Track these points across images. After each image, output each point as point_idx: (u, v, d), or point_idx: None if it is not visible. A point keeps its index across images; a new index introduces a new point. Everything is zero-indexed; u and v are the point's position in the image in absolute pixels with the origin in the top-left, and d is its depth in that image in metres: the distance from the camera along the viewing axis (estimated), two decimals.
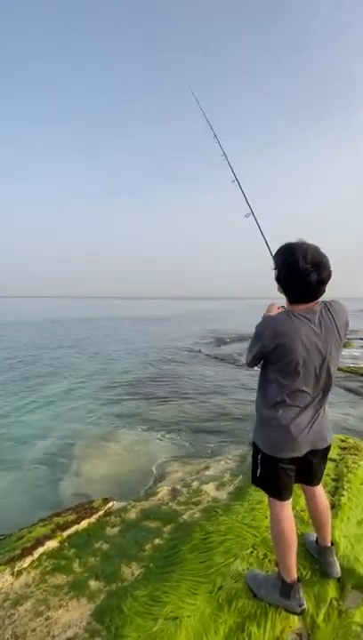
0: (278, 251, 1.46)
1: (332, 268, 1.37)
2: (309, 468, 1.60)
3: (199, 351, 12.59)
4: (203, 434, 4.71)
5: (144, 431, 4.81)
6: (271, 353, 1.39)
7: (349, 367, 8.14)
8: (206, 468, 3.29)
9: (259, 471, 1.56)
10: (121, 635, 1.53)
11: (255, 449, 1.59)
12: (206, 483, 2.90)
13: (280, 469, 1.50)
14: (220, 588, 1.72)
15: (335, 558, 1.77)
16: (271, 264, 1.51)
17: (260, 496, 2.50)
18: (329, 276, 1.36)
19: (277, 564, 1.64)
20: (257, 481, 1.61)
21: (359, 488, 2.54)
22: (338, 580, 1.74)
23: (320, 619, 1.56)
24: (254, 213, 2.22)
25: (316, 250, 1.36)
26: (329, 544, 1.76)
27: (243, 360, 1.70)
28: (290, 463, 1.50)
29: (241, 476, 2.95)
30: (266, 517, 2.25)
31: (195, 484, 2.90)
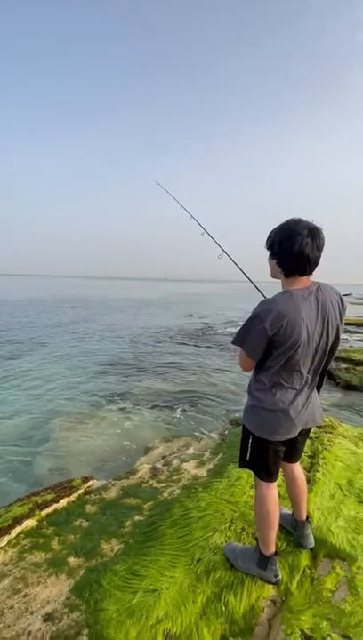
0: (272, 230, 1.45)
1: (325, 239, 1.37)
2: (293, 446, 1.62)
3: (181, 332, 12.60)
4: (183, 412, 4.75)
5: (124, 409, 4.79)
6: (273, 337, 1.33)
7: None
8: (187, 445, 3.33)
9: (249, 454, 1.56)
10: (100, 608, 1.54)
11: (246, 432, 1.57)
12: (187, 461, 2.94)
13: (272, 451, 1.51)
14: (198, 560, 1.76)
15: (310, 530, 1.84)
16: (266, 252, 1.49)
17: (239, 473, 2.56)
18: (323, 244, 1.36)
19: (255, 538, 1.68)
20: (246, 464, 1.60)
21: (333, 464, 2.65)
22: (311, 549, 1.82)
23: (294, 586, 1.63)
24: (227, 252, 2.50)
25: (306, 220, 1.37)
26: (305, 518, 1.82)
27: (237, 360, 1.58)
28: (282, 444, 1.52)
29: (221, 454, 3.01)
30: (244, 493, 2.31)
31: (175, 462, 2.93)
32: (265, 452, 1.51)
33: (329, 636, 1.36)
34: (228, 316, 18.48)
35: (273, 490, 1.57)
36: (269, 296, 1.46)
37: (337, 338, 1.45)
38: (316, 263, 1.37)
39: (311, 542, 1.81)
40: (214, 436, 3.53)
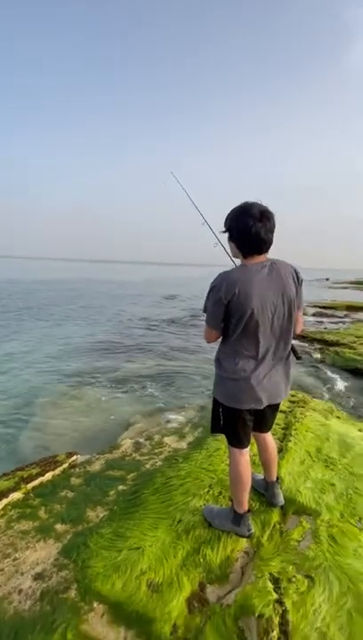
0: (229, 214, 1.56)
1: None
2: (262, 418, 1.76)
3: (162, 314, 12.65)
4: (164, 389, 4.88)
5: (106, 387, 4.87)
6: (229, 305, 1.47)
7: (302, 331, 8.74)
8: (168, 420, 3.47)
9: (222, 423, 1.69)
10: (88, 565, 1.66)
11: (216, 403, 1.69)
12: (168, 435, 3.07)
13: (241, 420, 1.64)
14: (179, 521, 1.91)
15: (280, 490, 2.02)
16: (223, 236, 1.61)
17: (217, 444, 2.72)
18: (274, 225, 1.50)
19: (231, 500, 1.84)
20: (217, 429, 1.72)
21: (305, 434, 2.86)
22: (281, 508, 2.00)
23: (265, 538, 1.80)
24: (221, 243, 2.47)
25: (259, 204, 1.50)
26: (275, 479, 2.00)
27: (203, 337, 1.68)
28: (249, 414, 1.65)
29: (201, 428, 3.16)
30: (222, 462, 2.47)
31: (157, 436, 3.06)
32: (234, 420, 1.64)
33: (294, 577, 1.54)
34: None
35: (245, 456, 1.71)
36: None
37: (294, 308, 1.55)
38: (270, 243, 1.50)
39: (281, 500, 1.99)
40: (194, 410, 3.69)
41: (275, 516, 1.94)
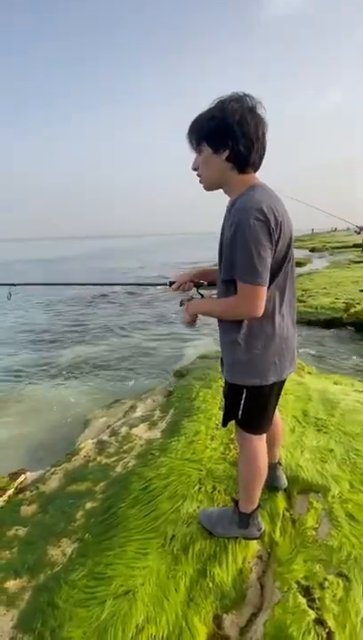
0: (214, 109, 1.04)
1: None
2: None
3: (103, 291, 11.71)
4: (122, 373, 4.36)
5: (53, 382, 4.15)
6: (276, 243, 1.03)
7: None
8: (132, 409, 3.01)
9: (241, 410, 1.25)
10: (60, 638, 1.19)
11: (236, 389, 1.24)
12: (136, 425, 2.62)
13: (273, 397, 1.28)
14: (172, 537, 1.51)
15: (282, 471, 1.73)
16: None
17: (196, 426, 2.36)
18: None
19: (233, 500, 1.49)
20: (233, 418, 1.30)
21: (285, 398, 2.62)
22: (284, 490, 1.72)
23: (277, 534, 1.51)
24: None
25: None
26: (277, 460, 1.70)
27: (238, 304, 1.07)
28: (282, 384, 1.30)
29: (172, 410, 2.77)
30: (206, 448, 2.12)
31: (123, 429, 2.59)
32: (265, 400, 1.25)
33: (325, 579, 1.27)
34: (152, 272, 17.90)
35: (264, 443, 1.36)
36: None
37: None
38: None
39: (285, 482, 1.72)
40: (160, 392, 3.27)
41: (281, 502, 1.66)
